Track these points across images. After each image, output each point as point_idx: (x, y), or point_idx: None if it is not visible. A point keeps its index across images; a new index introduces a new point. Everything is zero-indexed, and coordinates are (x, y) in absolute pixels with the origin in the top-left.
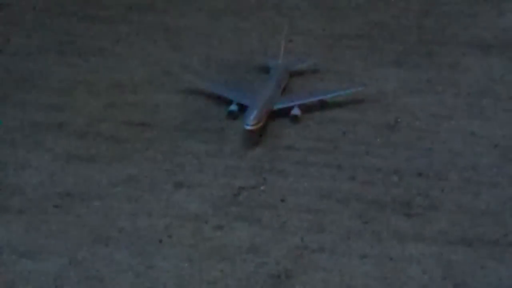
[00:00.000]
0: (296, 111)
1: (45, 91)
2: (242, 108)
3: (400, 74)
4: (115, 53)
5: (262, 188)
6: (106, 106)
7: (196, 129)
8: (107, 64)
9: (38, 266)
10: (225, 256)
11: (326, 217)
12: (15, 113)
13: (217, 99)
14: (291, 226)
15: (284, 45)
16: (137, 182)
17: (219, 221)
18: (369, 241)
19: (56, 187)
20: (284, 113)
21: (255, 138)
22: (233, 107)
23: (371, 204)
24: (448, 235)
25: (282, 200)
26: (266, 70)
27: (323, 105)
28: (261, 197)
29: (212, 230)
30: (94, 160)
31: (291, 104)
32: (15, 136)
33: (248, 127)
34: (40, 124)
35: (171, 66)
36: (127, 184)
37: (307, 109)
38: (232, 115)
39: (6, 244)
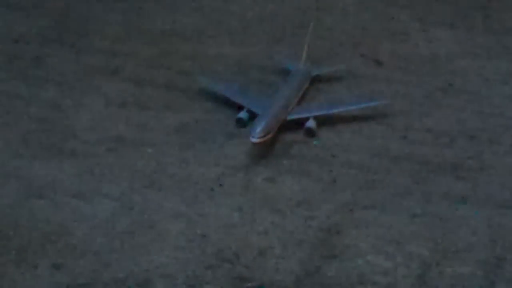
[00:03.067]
0: (311, 124)
1: (100, 36)
2: (253, 116)
3: (455, 36)
4: (170, 2)
5: (314, 142)
6: (160, 54)
7: (252, 81)
8: (162, 12)
9: (90, 208)
10: (275, 208)
11: (376, 174)
12: (71, 56)
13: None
14: (342, 182)
15: (307, 46)
16: (189, 131)
17: (271, 174)
18: (419, 200)
19: (109, 132)
20: (298, 124)
21: (262, 150)
22: (243, 115)
23: (422, 165)
24: (498, 198)
25: (333, 156)
26: (286, 73)
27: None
28: (313, 151)
29: (263, 182)
30: (147, 107)
31: (307, 115)
32: (70, 80)
33: (254, 140)
34: (95, 69)
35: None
36: (180, 132)
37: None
38: (240, 123)
39: (59, 185)
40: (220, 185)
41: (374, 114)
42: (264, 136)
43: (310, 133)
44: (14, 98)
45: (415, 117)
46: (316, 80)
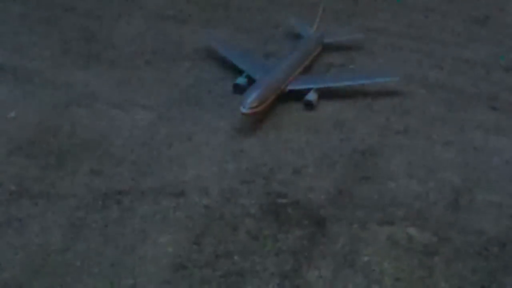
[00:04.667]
0: (311, 96)
1: None
2: (251, 82)
3: None
4: None
5: (351, 66)
6: None
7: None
8: None
9: (129, 118)
10: (311, 128)
11: (411, 101)
12: None
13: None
14: (377, 106)
15: (322, 8)
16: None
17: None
18: (453, 129)
19: (148, 45)
20: (298, 96)
21: (254, 122)
22: (241, 80)
23: (457, 94)
24: None
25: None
26: (298, 38)
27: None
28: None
29: (300, 103)
30: (186, 21)
31: (308, 86)
32: None
33: (244, 111)
34: None
35: None
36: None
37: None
38: (237, 89)
39: (98, 94)
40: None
41: (411, 41)
42: (256, 107)
43: (310, 106)
44: (54, 8)
45: (451, 47)
46: (329, 48)
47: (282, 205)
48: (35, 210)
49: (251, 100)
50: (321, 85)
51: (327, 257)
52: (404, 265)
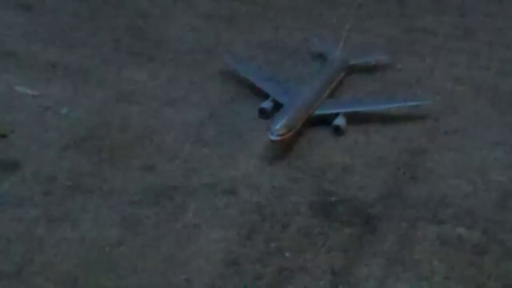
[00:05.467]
0: (339, 121)
1: None
2: (278, 107)
3: None
4: None
5: (398, 66)
6: None
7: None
8: None
9: (180, 116)
10: (360, 128)
11: (460, 101)
12: None
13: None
14: (425, 106)
15: (347, 30)
16: (275, 46)
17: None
18: (501, 129)
19: (198, 43)
20: (325, 120)
21: (282, 149)
22: (266, 104)
23: (505, 95)
24: None
25: (418, 81)
26: (323, 59)
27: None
28: (397, 75)
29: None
30: (234, 21)
31: (336, 111)
32: None
33: (273, 138)
34: None
35: None
36: (266, 47)
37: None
38: (263, 114)
39: (149, 92)
40: None
41: (458, 42)
42: (285, 133)
43: (338, 131)
44: (103, 5)
45: (499, 48)
46: (355, 69)
47: (332, 203)
48: (89, 205)
49: (280, 125)
50: (350, 109)
51: (377, 255)
52: (454, 263)
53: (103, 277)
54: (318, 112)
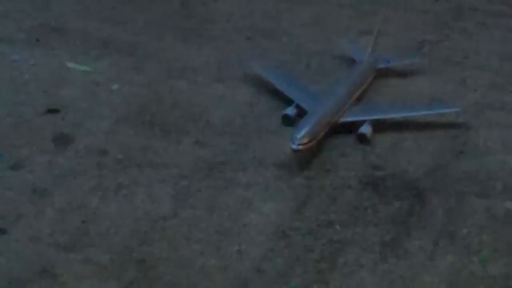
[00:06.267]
0: (365, 129)
1: None
2: (301, 113)
3: None
4: None
5: (445, 43)
6: None
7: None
8: None
9: (230, 92)
10: (407, 102)
11: (507, 78)
12: None
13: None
14: (472, 83)
15: (377, 32)
16: (323, 23)
17: (402, 70)
18: None
19: (247, 21)
20: (350, 127)
21: (305, 159)
22: (290, 111)
23: None
24: None
25: (465, 57)
26: (351, 62)
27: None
28: (444, 52)
29: (395, 78)
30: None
31: (362, 118)
32: None
33: (294, 147)
34: None
35: None
36: (314, 24)
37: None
38: (286, 121)
39: (199, 68)
40: None
41: (505, 20)
42: (308, 142)
43: (363, 140)
44: None
45: None
46: (383, 73)
47: (380, 178)
48: (141, 178)
49: (301, 135)
50: (376, 117)
51: (427, 228)
52: (502, 237)
53: (157, 249)
54: (344, 119)
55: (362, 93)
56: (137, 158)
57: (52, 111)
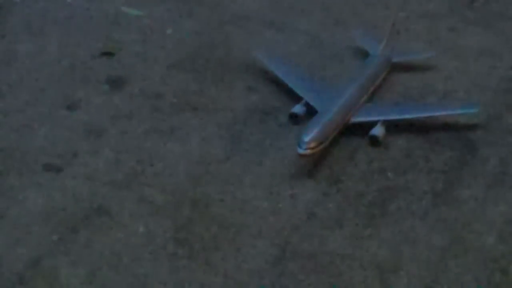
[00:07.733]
0: (377, 131)
1: None
2: (310, 111)
3: None
4: None
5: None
6: None
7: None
8: None
9: (283, 38)
10: (458, 55)
11: None
12: None
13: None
14: None
15: (392, 25)
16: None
17: (454, 23)
18: None
19: None
20: (361, 128)
21: (312, 163)
22: (298, 109)
23: None
24: None
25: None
26: (365, 55)
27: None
28: (496, 6)
29: (447, 31)
30: None
31: (375, 118)
32: None
33: (301, 152)
34: None
35: None
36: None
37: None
38: (293, 120)
39: (253, 14)
40: (406, 29)
41: None
42: (315, 146)
43: (375, 142)
44: None
45: None
46: (398, 68)
47: (432, 127)
48: (195, 121)
49: (309, 139)
50: (389, 117)
51: (478, 177)
52: None
53: (211, 190)
54: (355, 119)
55: (377, 88)
56: (191, 102)
57: (107, 54)
